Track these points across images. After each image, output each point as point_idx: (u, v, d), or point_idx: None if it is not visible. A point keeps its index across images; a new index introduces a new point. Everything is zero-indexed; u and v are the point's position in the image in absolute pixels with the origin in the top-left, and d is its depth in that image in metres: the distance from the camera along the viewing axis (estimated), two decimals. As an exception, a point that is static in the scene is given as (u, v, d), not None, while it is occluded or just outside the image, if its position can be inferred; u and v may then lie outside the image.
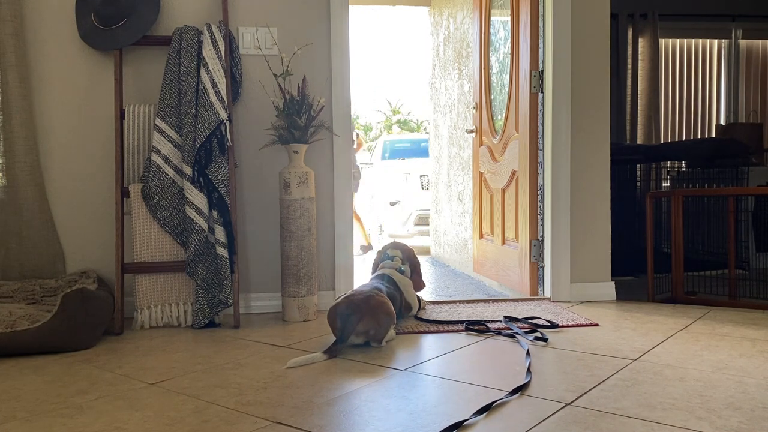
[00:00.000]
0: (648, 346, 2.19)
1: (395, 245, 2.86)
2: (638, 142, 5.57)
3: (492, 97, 3.77)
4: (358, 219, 6.30)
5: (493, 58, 3.77)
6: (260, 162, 2.95)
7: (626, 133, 5.62)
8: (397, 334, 2.40)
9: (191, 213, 2.61)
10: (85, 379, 1.92)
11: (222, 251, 2.64)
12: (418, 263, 2.88)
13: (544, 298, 3.11)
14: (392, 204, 6.71)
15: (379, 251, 2.88)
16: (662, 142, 5.72)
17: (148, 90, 2.86)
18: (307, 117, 2.72)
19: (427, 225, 6.25)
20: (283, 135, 2.72)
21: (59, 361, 2.13)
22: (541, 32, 3.12)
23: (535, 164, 3.15)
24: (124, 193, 2.70)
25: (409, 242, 6.74)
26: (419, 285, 2.84)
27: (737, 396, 1.66)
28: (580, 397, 1.68)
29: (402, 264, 2.76)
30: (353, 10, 3.24)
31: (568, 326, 2.51)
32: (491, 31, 3.79)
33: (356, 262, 5.17)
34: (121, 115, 2.72)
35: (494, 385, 1.79)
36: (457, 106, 4.66)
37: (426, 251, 5.86)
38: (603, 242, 3.11)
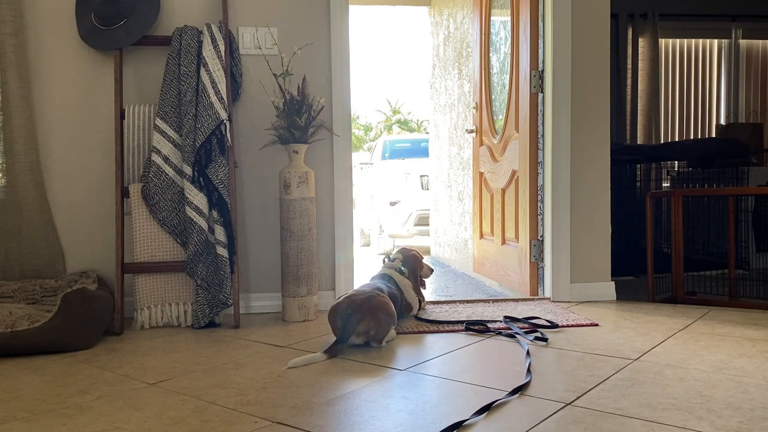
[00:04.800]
0: (648, 346, 2.19)
1: (399, 251, 2.90)
2: (638, 142, 5.57)
3: (492, 97, 3.77)
4: None
5: (493, 58, 3.77)
6: (260, 162, 2.95)
7: (626, 133, 5.62)
8: (397, 334, 2.40)
9: (191, 213, 2.61)
10: (85, 379, 1.92)
11: (222, 251, 2.64)
12: (420, 268, 2.88)
13: (544, 298, 3.11)
14: (392, 204, 6.70)
15: (383, 259, 2.90)
16: (662, 142, 5.72)
17: (148, 90, 2.86)
18: (307, 117, 2.72)
19: (427, 225, 6.25)
20: (283, 135, 2.72)
21: (59, 361, 2.13)
22: (541, 32, 3.12)
23: (535, 164, 3.15)
24: (124, 193, 2.70)
25: (409, 242, 6.74)
26: (418, 290, 2.86)
27: (737, 396, 1.66)
28: (580, 397, 1.68)
29: (402, 265, 2.78)
30: (353, 10, 3.24)
31: (568, 326, 2.51)
32: (491, 31, 3.79)
33: (356, 262, 5.17)
34: (121, 115, 2.72)
35: (494, 385, 1.79)
36: (457, 106, 4.66)
37: (426, 251, 5.86)
38: (603, 242, 3.11)
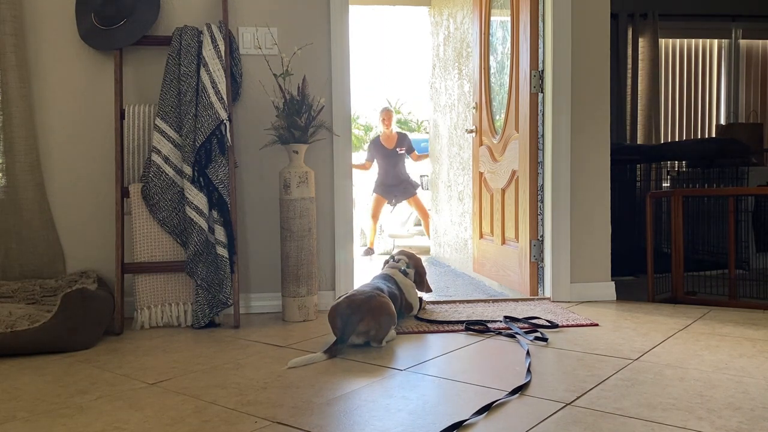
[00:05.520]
0: (648, 346, 2.19)
1: (402, 252, 2.91)
2: (638, 142, 5.57)
3: (492, 97, 3.77)
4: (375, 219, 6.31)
5: (492, 58, 3.77)
6: (260, 162, 2.95)
7: (626, 133, 5.62)
8: (397, 334, 2.40)
9: (191, 213, 2.61)
10: (85, 379, 1.92)
11: (222, 251, 2.64)
12: (424, 271, 2.93)
13: (544, 298, 3.10)
14: (392, 204, 6.70)
15: (386, 260, 2.90)
16: (662, 142, 5.72)
17: (148, 90, 2.86)
18: (307, 117, 2.72)
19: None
20: (283, 135, 2.72)
21: (59, 361, 2.13)
22: (541, 32, 3.12)
23: (535, 164, 3.15)
24: (124, 193, 2.70)
25: (409, 242, 6.73)
26: (425, 288, 2.91)
27: (737, 396, 1.66)
28: (580, 397, 1.68)
29: (406, 266, 2.79)
30: (353, 10, 3.24)
31: (568, 326, 2.51)
32: (491, 31, 3.79)
33: (357, 263, 5.16)
34: (121, 115, 2.72)
35: (494, 385, 1.79)
36: (457, 106, 4.66)
37: (426, 251, 5.86)
38: (603, 242, 3.11)
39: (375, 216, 6.31)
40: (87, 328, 2.31)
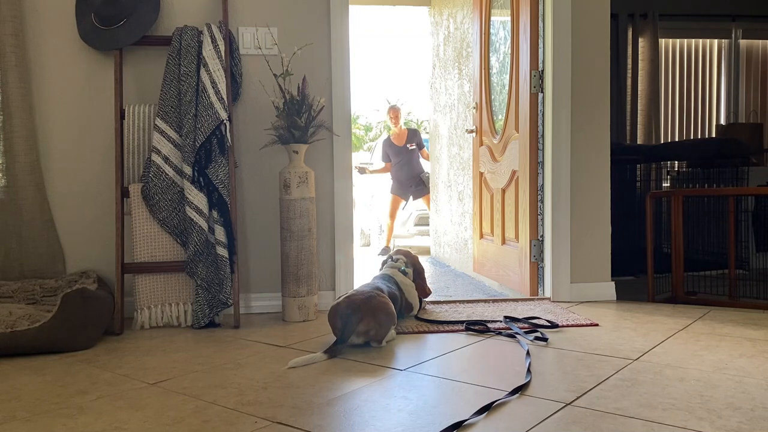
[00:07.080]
0: (648, 346, 2.19)
1: (399, 251, 2.92)
2: (638, 142, 5.57)
3: (492, 97, 3.77)
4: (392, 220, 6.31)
5: (493, 58, 3.77)
6: (260, 162, 2.95)
7: (626, 133, 5.62)
8: (397, 334, 2.41)
9: (191, 213, 2.61)
10: (85, 379, 1.92)
11: (222, 251, 2.64)
12: (422, 269, 2.94)
13: (544, 298, 3.11)
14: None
15: (384, 260, 2.91)
16: (662, 142, 5.72)
17: (148, 90, 2.86)
18: (307, 117, 2.72)
19: (427, 225, 6.25)
20: (283, 135, 2.72)
21: (59, 361, 2.13)
22: (541, 32, 3.12)
23: (535, 164, 3.15)
24: (124, 193, 2.70)
25: (409, 242, 6.73)
26: (424, 290, 2.90)
27: (737, 396, 1.67)
28: (580, 397, 1.68)
29: (405, 266, 2.80)
30: (353, 10, 3.24)
31: (568, 326, 2.51)
32: (491, 31, 3.79)
33: (356, 262, 5.16)
34: (121, 115, 2.72)
35: (494, 385, 1.79)
36: (457, 106, 4.66)
37: (426, 251, 5.86)
38: (603, 242, 3.11)
39: (392, 215, 6.33)
40: (87, 328, 2.31)
